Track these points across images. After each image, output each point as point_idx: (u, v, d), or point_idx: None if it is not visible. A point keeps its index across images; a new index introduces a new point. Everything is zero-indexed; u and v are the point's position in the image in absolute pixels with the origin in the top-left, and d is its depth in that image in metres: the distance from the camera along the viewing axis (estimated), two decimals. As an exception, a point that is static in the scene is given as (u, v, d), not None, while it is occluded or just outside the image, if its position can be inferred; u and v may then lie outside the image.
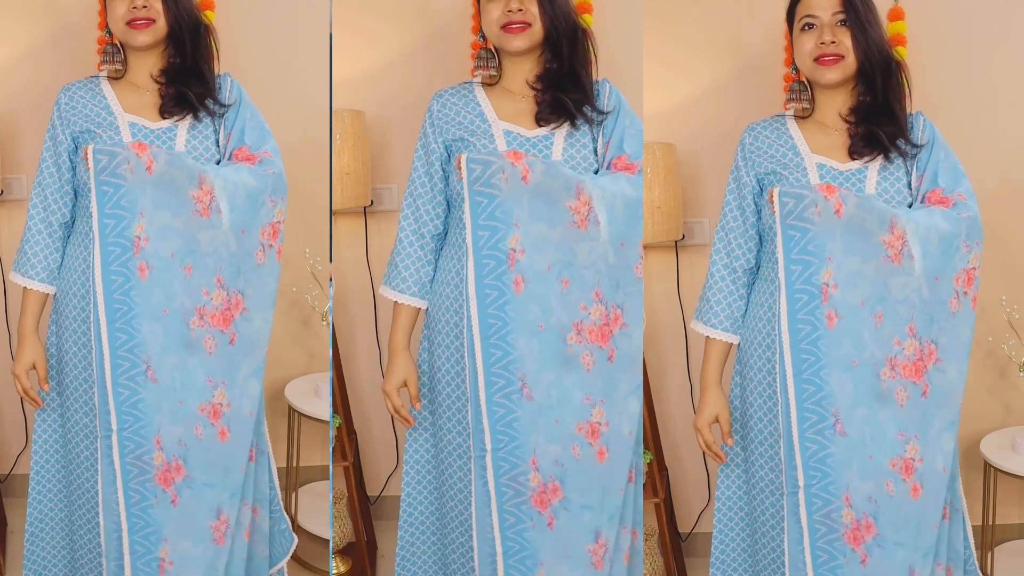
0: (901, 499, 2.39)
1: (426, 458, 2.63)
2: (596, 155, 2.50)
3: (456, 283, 2.52)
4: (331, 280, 3.06)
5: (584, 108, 2.49)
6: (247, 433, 2.59)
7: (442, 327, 2.55)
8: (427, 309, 2.59)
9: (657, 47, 3.02)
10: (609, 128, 2.50)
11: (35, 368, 2.58)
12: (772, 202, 2.40)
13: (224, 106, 2.55)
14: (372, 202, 3.21)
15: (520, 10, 2.44)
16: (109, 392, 2.49)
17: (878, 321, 2.37)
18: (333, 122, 3.02)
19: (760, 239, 2.50)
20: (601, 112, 2.50)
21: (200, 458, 2.53)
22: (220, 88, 2.57)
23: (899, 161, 2.42)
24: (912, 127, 2.45)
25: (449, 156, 2.53)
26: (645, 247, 3.08)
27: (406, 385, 2.58)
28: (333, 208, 3.04)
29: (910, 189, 2.42)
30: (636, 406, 2.52)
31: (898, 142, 2.42)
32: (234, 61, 3.03)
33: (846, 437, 2.38)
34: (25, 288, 2.56)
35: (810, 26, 2.41)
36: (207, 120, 2.54)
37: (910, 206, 2.41)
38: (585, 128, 2.49)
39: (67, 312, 2.56)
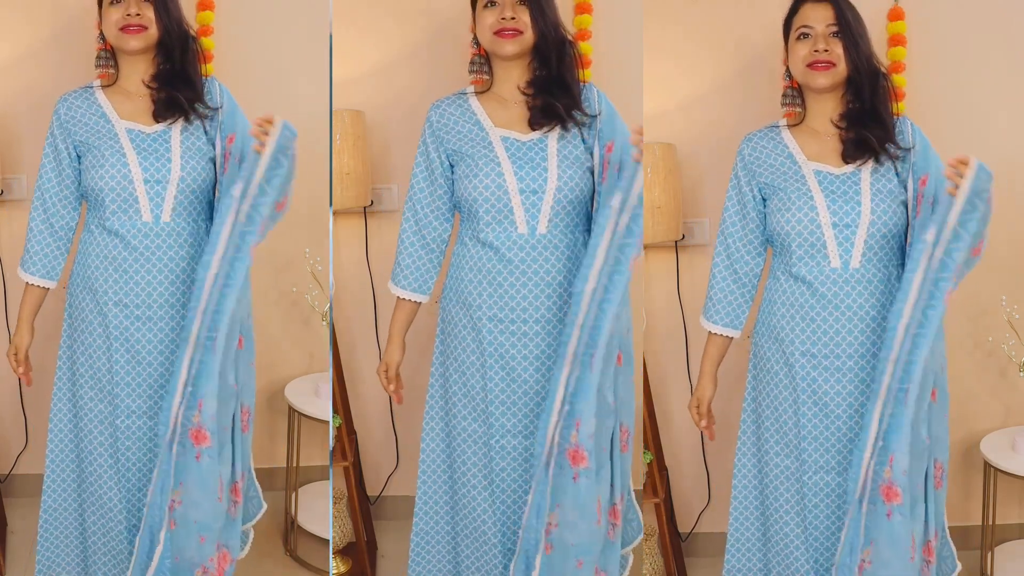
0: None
1: (440, 447, 2.71)
2: (589, 154, 2.60)
3: (470, 277, 2.60)
4: (331, 280, 3.06)
5: (573, 112, 2.60)
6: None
7: (457, 320, 2.64)
8: (441, 305, 2.69)
9: (657, 47, 3.03)
10: (606, 132, 2.59)
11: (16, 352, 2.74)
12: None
13: (212, 109, 2.64)
14: (372, 202, 3.21)
15: (513, 18, 2.57)
16: (191, 345, 2.50)
17: None
18: (333, 122, 3.02)
19: (767, 241, 2.60)
20: (589, 116, 2.61)
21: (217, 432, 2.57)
22: (209, 92, 2.66)
23: (888, 163, 2.53)
24: (900, 131, 2.55)
25: (452, 166, 2.64)
26: (645, 247, 3.08)
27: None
28: (333, 208, 3.04)
29: (904, 188, 2.52)
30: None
31: (887, 146, 2.53)
32: (234, 61, 3.04)
33: None
34: (27, 284, 2.69)
35: (805, 35, 2.54)
36: (197, 122, 2.64)
37: (904, 203, 2.51)
38: (575, 130, 2.61)
39: (81, 305, 2.64)
